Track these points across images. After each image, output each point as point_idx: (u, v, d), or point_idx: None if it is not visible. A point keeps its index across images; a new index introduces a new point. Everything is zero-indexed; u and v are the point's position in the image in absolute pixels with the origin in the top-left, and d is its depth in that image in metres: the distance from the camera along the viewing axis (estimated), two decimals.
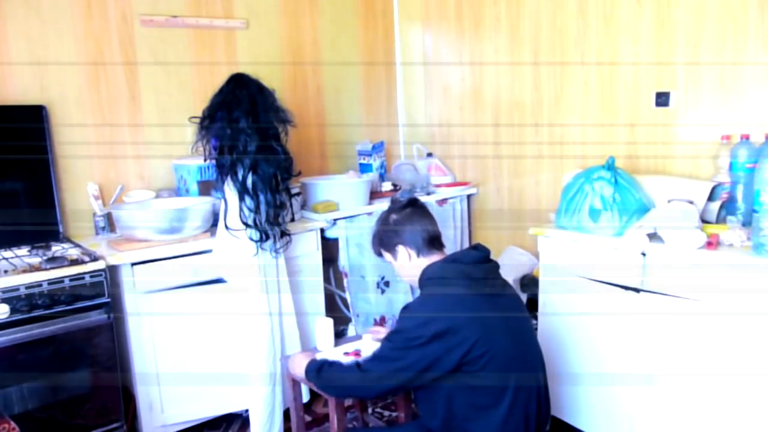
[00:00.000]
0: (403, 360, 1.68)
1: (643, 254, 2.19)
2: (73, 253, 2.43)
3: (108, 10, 2.79)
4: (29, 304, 2.18)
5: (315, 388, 1.97)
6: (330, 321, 2.43)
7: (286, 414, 2.48)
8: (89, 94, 2.78)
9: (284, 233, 2.50)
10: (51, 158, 2.64)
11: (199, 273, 2.57)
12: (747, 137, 2.24)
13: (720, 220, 2.28)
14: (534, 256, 3.02)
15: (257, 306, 2.44)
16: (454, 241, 3.44)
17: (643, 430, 2.27)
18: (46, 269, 2.24)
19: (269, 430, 2.49)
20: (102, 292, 2.33)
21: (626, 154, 2.70)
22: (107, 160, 2.85)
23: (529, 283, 2.83)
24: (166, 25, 2.95)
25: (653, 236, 2.18)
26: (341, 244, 3.00)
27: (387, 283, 3.18)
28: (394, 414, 2.73)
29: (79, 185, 2.77)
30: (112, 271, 2.40)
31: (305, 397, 2.74)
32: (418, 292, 1.90)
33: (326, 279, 3.05)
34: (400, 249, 1.87)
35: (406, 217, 1.89)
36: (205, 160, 2.43)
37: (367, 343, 2.41)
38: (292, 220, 2.72)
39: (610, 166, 2.35)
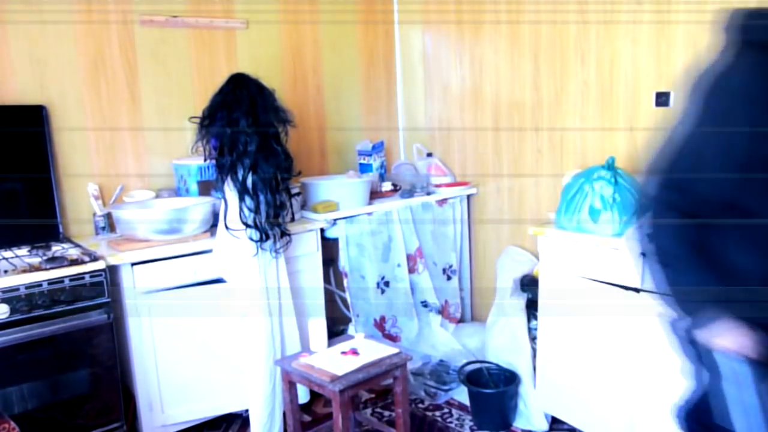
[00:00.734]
0: None
1: (643, 254, 2.19)
2: (73, 253, 2.43)
3: (108, 10, 2.79)
4: (29, 304, 2.18)
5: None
6: (323, 321, 2.44)
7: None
8: (89, 94, 2.78)
9: (284, 233, 2.50)
10: (51, 158, 2.65)
11: (199, 273, 2.57)
12: None
13: None
14: (534, 256, 3.02)
15: (257, 306, 2.44)
16: (453, 241, 3.44)
17: (642, 429, 2.27)
18: (46, 269, 2.24)
19: (269, 430, 2.49)
20: (102, 292, 2.33)
21: (626, 154, 2.70)
22: (107, 160, 2.85)
23: (529, 283, 2.83)
24: (166, 25, 2.95)
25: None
26: (341, 244, 3.00)
27: (387, 283, 3.18)
28: (393, 414, 2.73)
29: (79, 185, 2.77)
30: (112, 271, 2.41)
31: (305, 398, 2.75)
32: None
33: (326, 279, 3.05)
34: None
35: None
36: (205, 160, 2.43)
37: (362, 343, 2.43)
38: (292, 220, 2.72)
39: (610, 166, 2.35)
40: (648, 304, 2.20)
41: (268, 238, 2.40)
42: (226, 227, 2.38)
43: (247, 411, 2.57)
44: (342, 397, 2.12)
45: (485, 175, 3.41)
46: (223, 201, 2.41)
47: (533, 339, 2.72)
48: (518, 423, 2.71)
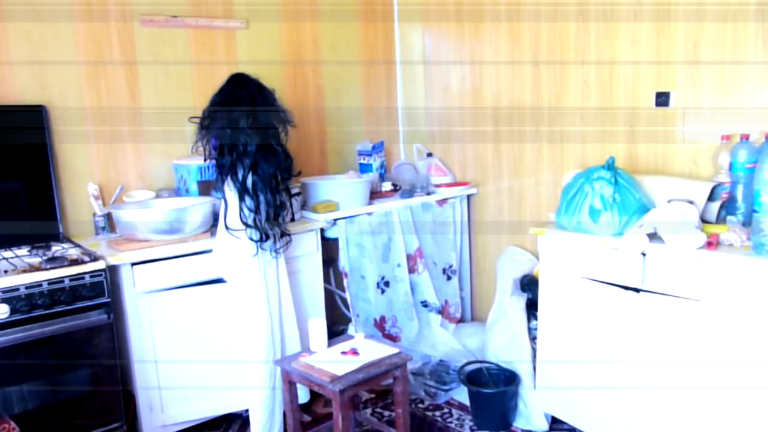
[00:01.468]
0: None
1: (643, 254, 2.19)
2: (73, 253, 2.43)
3: (108, 10, 2.79)
4: (29, 304, 2.18)
5: None
6: (323, 321, 2.44)
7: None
8: (89, 94, 2.78)
9: (284, 233, 2.50)
10: (51, 158, 2.65)
11: (199, 273, 2.57)
12: (747, 137, 2.24)
13: (720, 220, 2.28)
14: (534, 256, 3.02)
15: (257, 306, 2.44)
16: (453, 241, 3.44)
17: (642, 429, 2.27)
18: (46, 269, 2.23)
19: (269, 430, 2.49)
20: (102, 292, 2.33)
21: (626, 154, 2.71)
22: (107, 160, 2.85)
23: (529, 283, 2.83)
24: (166, 25, 2.95)
25: (653, 236, 2.18)
26: (341, 244, 3.00)
27: (387, 283, 3.18)
28: (393, 414, 2.73)
29: (79, 185, 2.77)
30: (112, 271, 2.41)
31: (305, 398, 2.75)
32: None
33: (326, 279, 3.05)
34: None
35: None
36: (205, 160, 2.43)
37: (362, 343, 2.43)
38: (292, 220, 2.72)
39: (610, 166, 2.35)
40: (648, 304, 2.20)
41: (268, 238, 2.40)
42: (226, 227, 2.38)
43: (247, 411, 2.57)
44: (342, 397, 2.12)
45: (485, 175, 3.41)
46: (223, 201, 2.41)
47: (533, 339, 2.72)
48: (518, 423, 2.71)
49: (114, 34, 2.82)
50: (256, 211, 2.36)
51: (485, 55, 3.28)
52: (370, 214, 3.07)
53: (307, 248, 2.87)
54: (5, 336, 2.14)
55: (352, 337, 2.53)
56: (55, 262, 2.31)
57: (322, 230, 2.94)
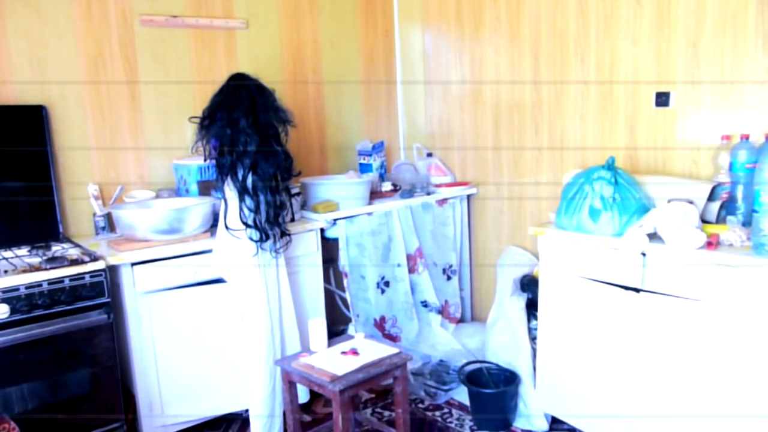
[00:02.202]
0: None
1: (643, 254, 2.19)
2: (73, 253, 2.43)
3: (108, 10, 2.79)
4: (29, 304, 2.18)
5: None
6: (323, 321, 2.44)
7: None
8: (89, 94, 2.78)
9: (284, 233, 2.50)
10: (51, 158, 2.65)
11: (199, 273, 2.57)
12: (747, 137, 2.24)
13: (720, 220, 2.28)
14: (534, 256, 3.02)
15: (257, 306, 2.44)
16: (453, 241, 3.44)
17: (642, 429, 2.27)
18: (46, 269, 2.23)
19: (269, 430, 2.49)
20: (102, 292, 2.33)
21: (626, 154, 2.71)
22: (107, 160, 2.85)
23: (529, 283, 2.83)
24: (166, 25, 2.95)
25: (653, 236, 2.18)
26: (341, 244, 3.00)
27: (387, 283, 3.18)
28: (393, 414, 2.73)
29: (79, 185, 2.77)
30: (112, 271, 2.41)
31: (305, 398, 2.75)
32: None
33: (326, 279, 3.05)
34: None
35: None
36: (205, 160, 2.43)
37: (362, 343, 2.43)
38: (292, 220, 2.72)
39: (610, 166, 2.35)
40: (648, 304, 2.20)
41: (268, 238, 2.40)
42: (226, 227, 2.38)
43: (247, 411, 2.57)
44: (342, 397, 2.12)
45: (485, 175, 3.41)
46: (223, 201, 2.41)
47: (533, 339, 2.72)
48: (518, 423, 2.71)
49: (114, 34, 2.82)
50: (256, 211, 2.36)
51: (485, 54, 3.27)
52: (370, 214, 3.07)
53: (307, 248, 2.87)
54: (5, 336, 2.14)
55: (352, 337, 2.53)
56: (55, 262, 2.31)
57: (322, 230, 2.94)
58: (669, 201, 2.29)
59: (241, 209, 2.35)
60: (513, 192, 3.27)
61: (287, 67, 3.38)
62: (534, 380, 2.67)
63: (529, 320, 2.77)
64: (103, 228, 2.78)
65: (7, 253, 2.45)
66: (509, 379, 2.71)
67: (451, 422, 2.77)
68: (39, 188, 2.63)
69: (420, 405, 2.92)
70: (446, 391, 2.99)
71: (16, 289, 2.16)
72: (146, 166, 2.96)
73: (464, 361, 2.92)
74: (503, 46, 3.17)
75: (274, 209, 2.41)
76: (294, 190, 2.75)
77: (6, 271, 2.21)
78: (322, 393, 2.22)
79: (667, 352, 2.16)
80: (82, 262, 2.30)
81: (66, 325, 2.25)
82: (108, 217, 2.79)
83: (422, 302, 3.33)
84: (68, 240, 2.65)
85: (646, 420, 2.25)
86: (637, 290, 2.23)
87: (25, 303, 2.17)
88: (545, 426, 2.65)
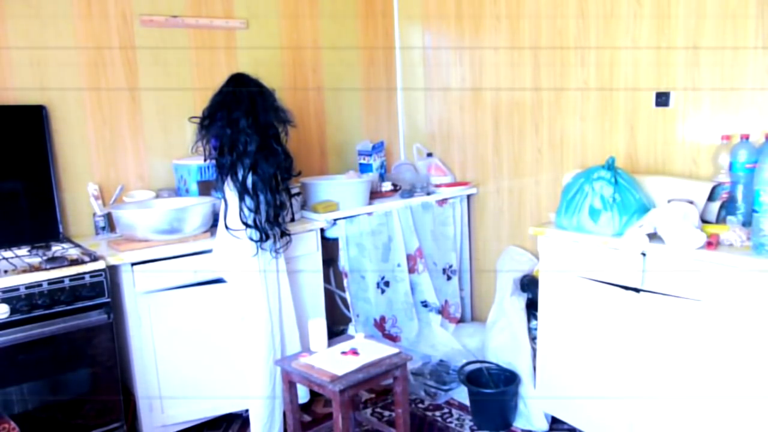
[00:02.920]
0: None
1: (643, 254, 2.19)
2: (73, 253, 2.43)
3: (108, 10, 2.79)
4: (29, 304, 2.18)
5: None
6: (323, 321, 2.44)
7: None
8: (89, 94, 2.78)
9: (284, 233, 2.50)
10: (51, 158, 2.65)
11: (199, 273, 2.57)
12: (747, 137, 2.24)
13: (720, 220, 2.28)
14: (534, 256, 3.02)
15: (257, 306, 2.44)
16: (453, 241, 3.44)
17: (642, 429, 2.27)
18: (46, 269, 2.23)
19: (269, 430, 2.49)
20: (102, 292, 2.33)
21: (626, 154, 2.71)
22: (107, 160, 2.85)
23: (529, 283, 2.83)
24: (166, 25, 2.95)
25: (653, 236, 2.18)
26: (341, 244, 3.00)
27: (387, 283, 3.18)
28: (393, 414, 2.73)
29: (79, 185, 2.77)
30: (112, 271, 2.41)
31: (305, 398, 2.75)
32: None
33: (326, 279, 3.05)
34: None
35: None
36: (205, 160, 2.43)
37: (362, 343, 2.43)
38: (292, 220, 2.72)
39: (610, 166, 2.35)
40: (648, 304, 2.20)
41: (268, 238, 2.40)
42: (226, 227, 2.38)
43: (247, 411, 2.57)
44: (342, 397, 2.12)
45: (485, 175, 3.41)
46: (223, 201, 2.41)
47: (533, 339, 2.72)
48: (518, 423, 2.71)
49: (114, 34, 2.82)
50: (256, 211, 2.36)
51: (485, 54, 3.28)
52: (370, 214, 3.08)
53: (307, 248, 2.87)
54: (5, 336, 2.14)
55: (352, 337, 2.53)
56: (55, 262, 2.31)
57: (322, 230, 2.94)
58: (669, 201, 2.29)
59: (241, 209, 2.35)
60: (513, 192, 3.27)
61: (287, 67, 3.39)
62: (534, 380, 2.67)
63: (529, 320, 2.77)
64: (103, 228, 2.78)
65: (7, 253, 2.45)
66: (509, 379, 2.71)
67: (451, 422, 2.77)
68: (39, 188, 2.63)
69: (420, 405, 2.92)
70: (446, 391, 2.99)
71: (16, 289, 2.16)
72: (146, 166, 2.96)
73: (464, 361, 2.92)
74: (503, 46, 3.17)
75: (274, 209, 2.41)
76: (294, 190, 2.75)
77: (6, 271, 2.21)
78: (322, 393, 2.22)
79: (667, 352, 2.16)
80: (82, 262, 2.30)
81: (66, 325, 2.25)
82: (108, 217, 2.79)
83: (422, 302, 3.33)
84: (68, 240, 2.65)
85: (646, 420, 2.25)
86: (637, 290, 2.23)
87: (25, 303, 2.17)
88: (545, 426, 2.65)
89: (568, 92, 2.91)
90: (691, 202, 2.23)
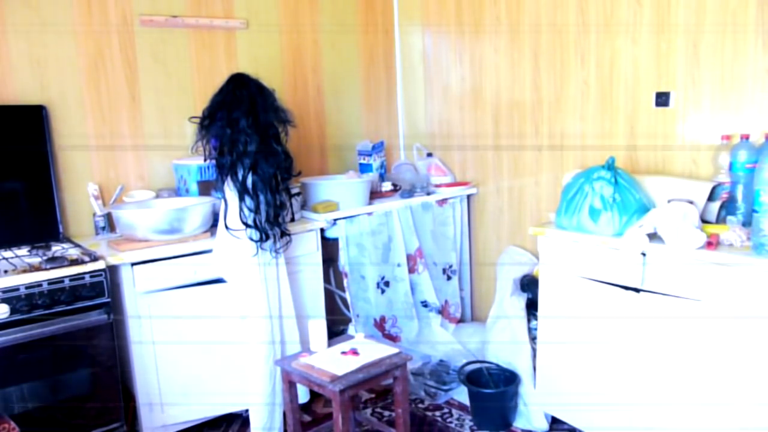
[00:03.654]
0: None
1: (643, 254, 2.19)
2: (73, 253, 2.43)
3: (108, 10, 2.79)
4: (29, 304, 2.18)
5: None
6: (323, 321, 2.44)
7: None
8: (89, 94, 2.78)
9: (284, 233, 2.50)
10: (51, 158, 2.65)
11: (199, 273, 2.57)
12: (747, 137, 2.24)
13: (720, 220, 2.28)
14: (534, 256, 3.02)
15: (257, 306, 2.44)
16: (453, 241, 3.44)
17: (642, 429, 2.27)
18: (46, 269, 2.23)
19: (269, 430, 2.49)
20: (102, 292, 2.33)
21: (626, 154, 2.71)
22: (107, 160, 2.85)
23: (529, 283, 2.83)
24: (166, 25, 2.95)
25: (653, 236, 2.18)
26: (341, 244, 3.00)
27: (387, 283, 3.18)
28: (393, 414, 2.73)
29: (79, 185, 2.77)
30: (112, 271, 2.41)
31: (305, 398, 2.75)
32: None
33: (326, 279, 3.05)
34: None
35: None
36: (205, 160, 2.43)
37: (362, 343, 2.43)
38: (292, 220, 2.72)
39: (610, 166, 2.35)
40: (648, 304, 2.20)
41: (268, 238, 2.40)
42: (226, 227, 2.38)
43: (247, 411, 2.57)
44: (342, 397, 2.12)
45: (485, 175, 3.41)
46: (223, 201, 2.41)
47: (533, 339, 2.72)
48: (518, 423, 2.71)
49: (114, 34, 2.82)
50: (256, 211, 2.36)
51: (485, 54, 3.28)
52: (370, 214, 3.07)
53: (307, 248, 2.87)
54: (5, 336, 2.14)
55: (352, 337, 2.53)
56: (55, 262, 2.31)
57: (322, 230, 2.94)
58: (669, 201, 2.29)
59: (241, 209, 2.35)
60: (513, 192, 3.27)
61: (287, 67, 3.38)
62: (534, 380, 2.67)
63: (529, 320, 2.77)
64: (103, 228, 2.78)
65: (7, 253, 2.45)
66: (509, 379, 2.71)
67: (451, 422, 2.77)
68: (39, 188, 2.63)
69: (420, 405, 2.92)
70: (446, 391, 2.99)
71: (16, 289, 2.16)
72: (146, 166, 2.96)
73: (464, 361, 2.92)
74: (503, 46, 3.17)
75: (274, 209, 2.41)
76: (294, 190, 2.74)
77: (6, 271, 2.21)
78: (322, 393, 2.22)
79: (667, 352, 2.16)
80: (82, 262, 2.30)
81: (66, 325, 2.25)
82: (108, 217, 2.79)
83: (422, 302, 3.33)
84: (68, 240, 2.65)
85: (646, 420, 2.25)
86: (637, 290, 2.23)
87: (25, 303, 2.17)
88: (545, 426, 2.65)
89: (568, 92, 2.91)
90: (691, 202, 2.23)
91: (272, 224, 2.41)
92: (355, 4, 3.64)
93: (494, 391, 2.68)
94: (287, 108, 2.46)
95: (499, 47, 3.19)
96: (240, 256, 2.40)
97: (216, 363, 2.63)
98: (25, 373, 2.22)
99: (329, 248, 3.06)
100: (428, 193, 3.35)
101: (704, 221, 2.26)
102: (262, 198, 2.37)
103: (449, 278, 3.45)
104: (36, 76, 2.65)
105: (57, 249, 2.51)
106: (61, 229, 2.68)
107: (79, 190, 2.77)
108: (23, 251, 2.48)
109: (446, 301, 3.43)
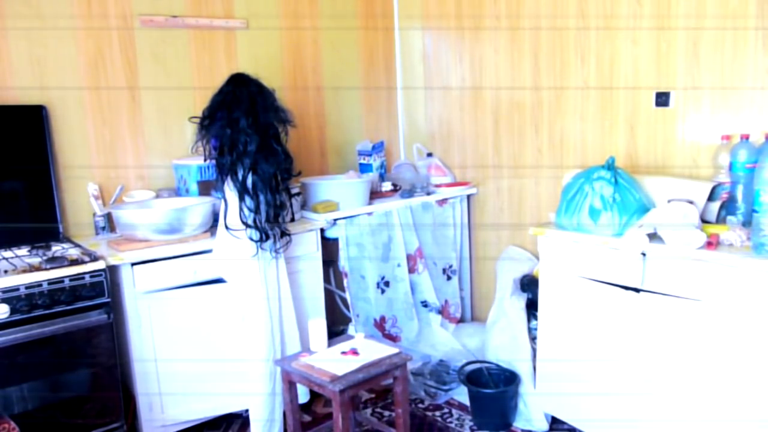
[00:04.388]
0: None
1: (643, 254, 2.19)
2: (73, 253, 2.43)
3: (108, 10, 2.79)
4: (29, 304, 2.18)
5: None
6: (323, 321, 2.44)
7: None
8: (89, 94, 2.78)
9: (284, 233, 2.50)
10: (51, 158, 2.65)
11: (199, 273, 2.57)
12: (747, 137, 2.24)
13: (720, 220, 2.28)
14: (534, 256, 3.02)
15: (257, 306, 2.44)
16: (453, 241, 3.44)
17: (642, 429, 2.27)
18: (46, 269, 2.23)
19: (269, 430, 2.49)
20: (102, 292, 2.33)
21: (626, 154, 2.71)
22: (107, 160, 2.85)
23: (529, 283, 2.83)
24: (166, 25, 2.95)
25: (653, 236, 2.18)
26: (341, 244, 3.00)
27: (387, 283, 3.18)
28: (393, 414, 2.73)
29: (79, 185, 2.77)
30: (112, 271, 2.41)
31: (305, 398, 2.75)
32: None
33: (326, 279, 3.05)
34: None
35: None
36: (205, 160, 2.43)
37: (362, 343, 2.43)
38: (292, 220, 2.72)
39: (610, 166, 2.35)
40: (648, 304, 2.20)
41: (268, 238, 2.40)
42: (226, 227, 2.38)
43: (247, 411, 2.57)
44: (342, 397, 2.12)
45: (485, 175, 3.41)
46: (223, 201, 2.41)
47: (533, 339, 2.72)
48: (518, 423, 2.71)
49: (114, 34, 2.82)
50: (256, 211, 2.36)
51: (485, 55, 3.28)
52: (370, 214, 3.07)
53: (307, 248, 2.87)
54: (5, 336, 2.14)
55: (352, 337, 2.53)
56: (55, 262, 2.31)
57: (322, 230, 2.94)
58: (669, 201, 2.29)
59: (241, 209, 2.35)
60: (513, 192, 3.27)
61: (287, 67, 3.38)
62: (534, 380, 2.67)
63: (529, 320, 2.77)
64: (103, 228, 2.78)
65: (7, 253, 2.45)
66: (509, 379, 2.71)
67: (451, 422, 2.77)
68: (39, 188, 2.63)
69: (420, 405, 2.92)
70: (446, 391, 2.99)
71: (16, 289, 2.16)
72: (146, 166, 2.96)
73: (464, 361, 2.93)
74: (503, 46, 3.17)
75: (274, 209, 2.41)
76: (294, 190, 2.74)
77: (6, 271, 2.21)
78: (322, 393, 2.22)
79: (667, 352, 2.16)
80: (82, 262, 2.30)
81: (66, 325, 2.25)
82: (108, 217, 2.79)
83: (422, 302, 3.33)
84: (68, 240, 2.65)
85: (646, 420, 2.25)
86: (637, 290, 2.23)
87: (25, 303, 2.17)
88: (545, 426, 2.65)
89: (568, 92, 2.91)
90: (691, 202, 2.23)
91: (272, 224, 2.41)
92: (355, 4, 3.64)
93: (494, 391, 2.68)
94: (287, 108, 2.46)
95: (499, 47, 3.19)
96: (240, 256, 2.40)
97: (216, 363, 2.62)
98: (25, 373, 2.22)
99: (329, 248, 3.06)
100: (428, 193, 3.35)
101: (704, 221, 2.26)
102: (262, 198, 2.37)
103: (449, 278, 3.45)
104: (36, 76, 2.65)
105: (57, 249, 2.51)
106: (61, 229, 2.68)
107: (79, 190, 2.77)
108: (23, 251, 2.48)
109: (446, 301, 3.43)
